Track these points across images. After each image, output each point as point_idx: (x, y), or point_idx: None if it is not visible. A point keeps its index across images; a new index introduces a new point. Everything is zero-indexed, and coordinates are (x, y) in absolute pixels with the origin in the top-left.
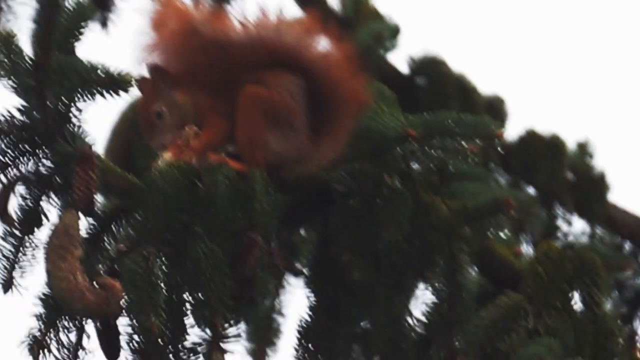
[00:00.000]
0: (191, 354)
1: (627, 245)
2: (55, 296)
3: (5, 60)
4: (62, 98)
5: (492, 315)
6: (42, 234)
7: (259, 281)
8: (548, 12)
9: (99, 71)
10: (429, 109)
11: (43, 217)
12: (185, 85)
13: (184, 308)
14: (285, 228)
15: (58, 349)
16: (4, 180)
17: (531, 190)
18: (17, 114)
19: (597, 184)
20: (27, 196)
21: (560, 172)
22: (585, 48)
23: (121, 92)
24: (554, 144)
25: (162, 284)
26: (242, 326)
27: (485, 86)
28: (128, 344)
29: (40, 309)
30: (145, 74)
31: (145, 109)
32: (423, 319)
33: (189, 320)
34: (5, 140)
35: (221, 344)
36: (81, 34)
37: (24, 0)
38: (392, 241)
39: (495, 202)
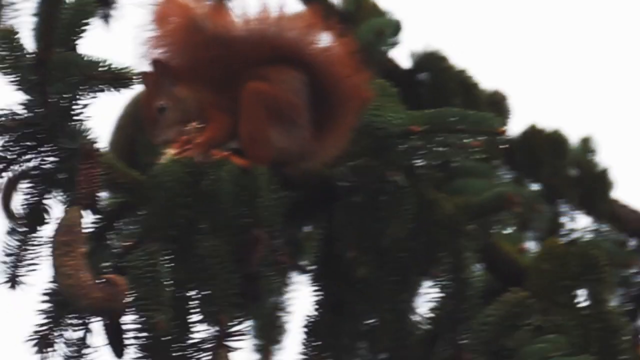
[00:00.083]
0: (197, 351)
1: (632, 242)
2: (61, 293)
3: (8, 55)
4: (64, 94)
5: (497, 312)
6: (46, 231)
7: (263, 278)
8: (550, 6)
9: (100, 67)
10: (431, 105)
11: (47, 214)
12: (188, 81)
13: (189, 305)
14: (290, 225)
15: (63, 346)
16: (8, 176)
17: (535, 186)
18: (20, 110)
19: (601, 180)
20: (31, 192)
21: (563, 168)
22: (588, 43)
23: (123, 89)
24: (557, 139)
25: (167, 281)
26: (248, 323)
27: (487, 82)
28: (134, 340)
29: (45, 306)
30: (148, 69)
31: (148, 104)
32: (428, 315)
33: (195, 317)
34: (8, 137)
35: (227, 341)
36: (83, 29)
37: None
38: (396, 238)
39: (499, 199)
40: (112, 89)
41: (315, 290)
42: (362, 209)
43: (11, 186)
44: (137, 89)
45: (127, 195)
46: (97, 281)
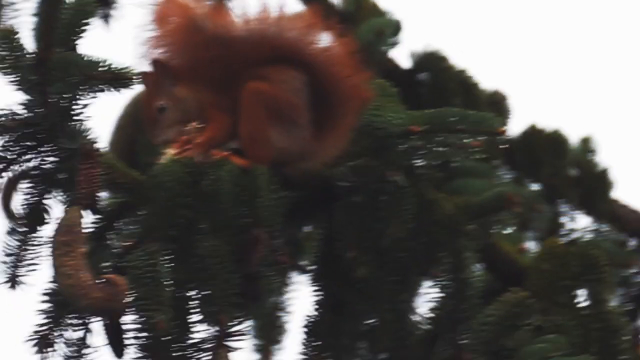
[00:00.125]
0: (197, 351)
1: (632, 242)
2: (60, 293)
3: (8, 55)
4: (64, 94)
5: (497, 312)
6: (46, 231)
7: (263, 278)
8: (549, 6)
9: (100, 67)
10: (431, 105)
11: (47, 214)
12: (188, 81)
13: (189, 305)
14: (290, 225)
15: (63, 346)
16: (8, 176)
17: (535, 186)
18: (20, 110)
19: (601, 180)
20: (31, 192)
21: (563, 168)
22: (588, 43)
23: (123, 89)
24: (558, 140)
25: (167, 281)
26: (248, 323)
27: (487, 82)
28: (134, 340)
29: (45, 306)
30: (148, 69)
31: (148, 104)
32: (428, 315)
33: (195, 317)
34: (8, 137)
35: (227, 341)
36: (83, 29)
37: None
38: (396, 238)
39: (499, 199)
40: (112, 89)
41: (315, 290)
42: (362, 209)
43: (11, 186)
44: (137, 89)
45: (127, 195)
46: (97, 281)
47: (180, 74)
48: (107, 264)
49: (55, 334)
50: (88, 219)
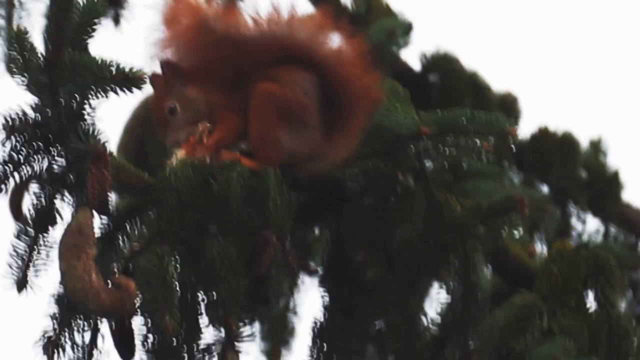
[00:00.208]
0: (205, 354)
1: None
2: (69, 296)
3: (18, 57)
4: (75, 95)
5: (506, 315)
6: (56, 233)
7: (273, 280)
8: (561, 9)
9: (111, 68)
10: (442, 106)
11: (57, 216)
12: (198, 82)
13: (198, 307)
14: (299, 227)
15: (72, 349)
16: (18, 178)
17: (545, 188)
18: (30, 112)
19: (611, 183)
20: (41, 194)
21: (573, 170)
22: (599, 46)
23: (134, 89)
24: (567, 142)
25: (176, 284)
26: (257, 326)
27: (497, 83)
28: (142, 343)
29: (54, 309)
30: (158, 70)
31: (158, 105)
32: (437, 318)
33: (204, 320)
34: (18, 138)
35: (235, 344)
36: (94, 30)
37: None
38: (406, 240)
39: (509, 201)
40: (122, 90)
41: (324, 293)
42: (372, 210)
43: (21, 188)
44: (147, 90)
45: (137, 197)
46: (106, 284)
47: (190, 74)
48: (117, 266)
49: (64, 337)
50: (97, 221)
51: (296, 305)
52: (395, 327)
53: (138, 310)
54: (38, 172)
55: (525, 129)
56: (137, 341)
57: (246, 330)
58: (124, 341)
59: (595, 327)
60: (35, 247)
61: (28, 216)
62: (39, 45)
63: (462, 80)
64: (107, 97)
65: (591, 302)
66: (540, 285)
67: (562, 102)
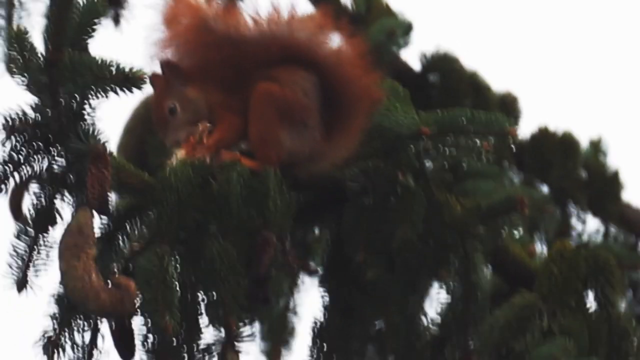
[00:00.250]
0: (205, 354)
1: None
2: (69, 296)
3: (18, 57)
4: (75, 95)
5: (506, 315)
6: (56, 233)
7: (273, 280)
8: (561, 9)
9: (111, 68)
10: (442, 106)
11: (57, 216)
12: (198, 82)
13: (198, 307)
14: (299, 227)
15: (72, 349)
16: (18, 178)
17: (545, 188)
18: (30, 112)
19: (611, 183)
20: (41, 194)
21: (573, 170)
22: (600, 45)
23: (134, 89)
24: (568, 142)
25: (176, 283)
26: (257, 326)
27: (497, 83)
28: (142, 343)
29: (54, 309)
30: (158, 70)
31: (158, 105)
32: (437, 318)
33: (204, 320)
34: (18, 138)
35: (235, 344)
36: (94, 30)
37: None
38: (405, 240)
39: (509, 201)
40: (122, 90)
41: (324, 293)
42: (372, 210)
43: (21, 188)
44: (147, 90)
45: (137, 197)
46: (106, 284)
47: (190, 74)
48: (117, 266)
49: (64, 337)
50: (97, 221)
51: (296, 305)
52: (395, 327)
53: (138, 310)
54: (38, 172)
55: (525, 129)
56: (137, 341)
57: (246, 330)
58: (124, 341)
59: (595, 327)
60: (35, 247)
61: (28, 216)
62: (39, 45)
63: (462, 80)
64: (107, 97)
65: (591, 302)
66: (540, 285)
67: (563, 102)
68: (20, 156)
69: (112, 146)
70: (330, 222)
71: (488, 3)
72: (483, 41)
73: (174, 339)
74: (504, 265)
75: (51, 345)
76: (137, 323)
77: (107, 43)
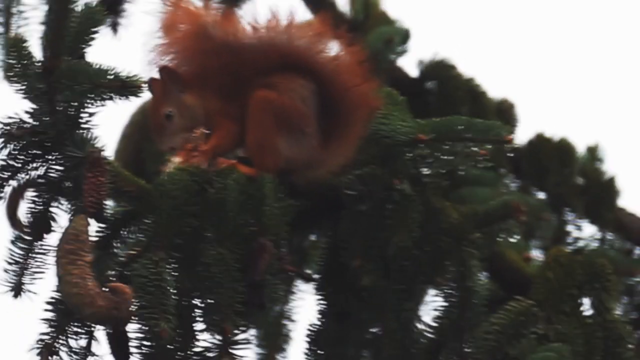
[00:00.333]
0: None
1: (637, 250)
2: (66, 301)
3: (16, 64)
4: (72, 102)
5: (502, 321)
6: (51, 239)
7: (269, 286)
8: (557, 16)
9: (109, 75)
10: (439, 113)
11: (53, 222)
12: (196, 88)
13: (193, 313)
14: (296, 233)
15: (67, 354)
16: (14, 185)
17: (541, 195)
18: (28, 118)
19: (607, 189)
20: (37, 201)
21: (570, 177)
22: (596, 52)
23: (131, 97)
24: (564, 148)
25: (172, 289)
26: (253, 331)
27: (494, 90)
28: (138, 349)
29: (49, 314)
30: (156, 75)
31: (155, 110)
32: (433, 324)
33: (199, 326)
34: (15, 145)
35: (231, 350)
36: (91, 38)
37: (35, 4)
38: (402, 246)
39: (505, 207)
40: (120, 97)
41: (320, 299)
42: (368, 217)
43: (17, 194)
44: (144, 97)
45: (133, 204)
46: (102, 290)
47: (188, 81)
48: (113, 272)
49: (60, 342)
50: (94, 228)
51: (292, 311)
52: (391, 332)
53: (134, 315)
54: (35, 178)
55: (522, 136)
56: (133, 347)
57: (242, 335)
58: (120, 346)
59: (590, 332)
60: (31, 253)
61: (24, 223)
62: (37, 53)
63: (459, 87)
64: (104, 104)
65: (587, 308)
66: (536, 291)
67: (559, 108)
68: (17, 163)
69: (109, 153)
70: (327, 228)
71: (485, 9)
72: (480, 48)
73: (169, 344)
74: (500, 271)
75: (46, 350)
76: (133, 328)
77: (104, 51)
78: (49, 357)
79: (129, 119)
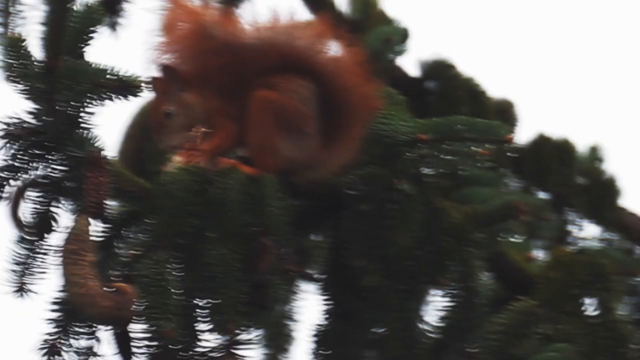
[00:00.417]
0: None
1: (639, 250)
2: (69, 301)
3: (16, 64)
4: (72, 102)
5: (506, 321)
6: (53, 239)
7: (271, 286)
8: (558, 15)
9: (108, 75)
10: (439, 113)
11: (54, 222)
12: (196, 87)
13: (197, 313)
14: (298, 233)
15: (72, 354)
16: (16, 185)
17: (543, 195)
18: (28, 118)
19: (609, 189)
20: (39, 201)
21: (571, 176)
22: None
23: (131, 96)
24: (565, 148)
25: (175, 289)
26: (256, 332)
27: (494, 90)
28: (141, 349)
29: (54, 314)
30: (157, 74)
31: (156, 109)
32: (436, 324)
33: (203, 326)
34: (16, 145)
35: (234, 350)
36: (91, 38)
37: (34, 3)
38: (404, 246)
39: (507, 207)
40: (120, 97)
41: (323, 299)
42: (370, 217)
43: (19, 195)
44: (145, 97)
45: (135, 204)
46: (105, 290)
47: (188, 80)
48: (116, 272)
49: (64, 342)
50: (96, 228)
51: (295, 311)
52: (394, 333)
53: (138, 316)
54: (36, 179)
55: (523, 136)
56: (136, 347)
57: (246, 336)
58: (123, 347)
59: (594, 332)
60: (34, 253)
61: (26, 223)
62: (37, 53)
63: (459, 86)
64: (104, 104)
65: (590, 308)
66: (539, 291)
67: (560, 108)
68: (18, 163)
69: (110, 152)
70: (328, 228)
71: (485, 9)
72: (480, 47)
73: (172, 344)
74: (502, 271)
75: (51, 350)
76: (137, 329)
77: (104, 50)
78: (54, 357)
79: (131, 119)
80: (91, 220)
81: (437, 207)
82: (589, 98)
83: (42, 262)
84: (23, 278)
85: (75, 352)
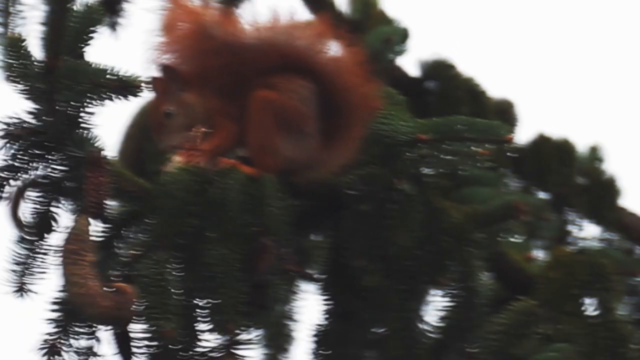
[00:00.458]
0: None
1: (639, 250)
2: (69, 301)
3: (16, 64)
4: (72, 102)
5: (505, 321)
6: (53, 239)
7: (271, 286)
8: (558, 15)
9: (108, 75)
10: (439, 113)
11: (54, 222)
12: (196, 87)
13: (197, 313)
14: (298, 233)
15: (72, 354)
16: (16, 185)
17: (543, 195)
18: (28, 118)
19: (609, 189)
20: (39, 201)
21: (571, 176)
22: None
23: (131, 96)
24: (565, 148)
25: (175, 289)
26: (256, 332)
27: (494, 90)
28: (142, 349)
29: (54, 314)
30: (157, 74)
31: (156, 109)
32: (436, 324)
33: (203, 326)
34: (16, 145)
35: (234, 350)
36: (91, 38)
37: (34, 3)
38: (404, 246)
39: (506, 207)
40: (120, 97)
41: (324, 299)
42: (370, 217)
43: (19, 195)
44: (145, 97)
45: (135, 204)
46: (105, 290)
47: (188, 80)
48: (116, 272)
49: (64, 342)
50: (96, 228)
51: (295, 311)
52: (394, 333)
53: (138, 316)
54: (36, 179)
55: (523, 136)
56: (136, 347)
57: (246, 336)
58: (123, 347)
59: (594, 332)
60: (34, 253)
61: (26, 223)
62: (37, 53)
63: (459, 86)
64: (104, 104)
65: (590, 308)
66: (539, 291)
67: (560, 108)
68: (18, 163)
69: (110, 152)
70: (328, 228)
71: (485, 9)
72: (480, 47)
73: (172, 344)
74: (503, 271)
75: (51, 350)
76: (137, 329)
77: (104, 50)
78: (54, 357)
79: (131, 119)
80: (91, 220)
81: (437, 207)
82: (589, 98)
83: (42, 262)
84: (23, 278)
85: (75, 352)
